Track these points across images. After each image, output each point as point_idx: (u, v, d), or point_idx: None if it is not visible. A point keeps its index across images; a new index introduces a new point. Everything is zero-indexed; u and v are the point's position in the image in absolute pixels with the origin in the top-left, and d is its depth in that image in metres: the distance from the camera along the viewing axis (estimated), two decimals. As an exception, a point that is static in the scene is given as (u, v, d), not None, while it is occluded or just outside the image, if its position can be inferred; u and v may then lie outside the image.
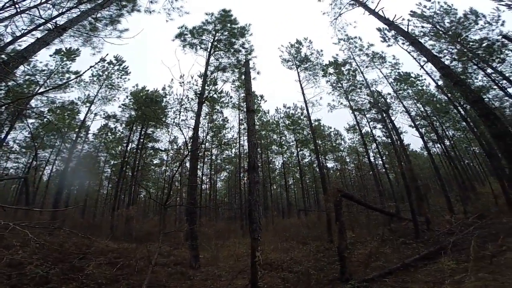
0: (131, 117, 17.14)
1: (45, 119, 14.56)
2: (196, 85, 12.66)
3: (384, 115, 14.02)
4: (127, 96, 17.28)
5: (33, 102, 12.86)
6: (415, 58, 13.91)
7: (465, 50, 13.11)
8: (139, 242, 9.32)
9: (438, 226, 9.46)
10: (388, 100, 16.97)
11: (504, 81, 12.50)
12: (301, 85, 14.86)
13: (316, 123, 21.46)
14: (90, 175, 20.60)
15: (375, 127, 17.97)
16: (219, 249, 9.55)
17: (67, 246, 6.53)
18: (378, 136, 19.36)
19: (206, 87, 11.33)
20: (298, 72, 15.40)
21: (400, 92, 17.16)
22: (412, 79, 17.14)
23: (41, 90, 13.15)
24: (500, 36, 12.27)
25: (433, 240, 7.43)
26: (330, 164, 25.66)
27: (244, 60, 11.29)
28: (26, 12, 5.93)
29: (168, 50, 11.48)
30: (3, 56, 4.56)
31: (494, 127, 5.26)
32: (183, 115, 15.35)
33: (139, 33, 5.27)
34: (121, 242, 9.55)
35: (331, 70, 16.66)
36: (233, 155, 21.96)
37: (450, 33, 13.43)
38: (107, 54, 3.87)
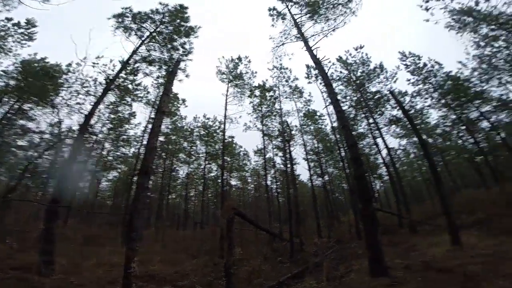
0: (8, 86, 13.02)
1: None
2: (113, 70, 11.18)
3: (287, 144, 15.76)
4: (14, 63, 13.41)
5: None
6: (324, 99, 16.20)
7: (361, 99, 15.89)
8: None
9: (309, 247, 11.05)
10: (293, 132, 19.18)
11: (377, 131, 15.74)
12: (226, 99, 15.45)
13: (230, 139, 21.70)
14: None
15: (277, 154, 19.99)
16: (88, 256, 8.07)
17: None
18: (278, 163, 21.54)
19: (124, 75, 10.42)
20: (228, 87, 16.00)
21: (304, 126, 19.59)
22: (316, 117, 19.85)
23: None
24: (388, 92, 14.80)
25: (303, 261, 8.56)
26: (233, 182, 26.37)
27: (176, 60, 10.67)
28: None
29: (97, 26, 9.52)
30: None
31: (358, 169, 6.49)
32: (80, 99, 12.67)
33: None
34: None
35: (257, 92, 17.73)
36: (131, 154, 19.32)
37: (358, 81, 16.05)
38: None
